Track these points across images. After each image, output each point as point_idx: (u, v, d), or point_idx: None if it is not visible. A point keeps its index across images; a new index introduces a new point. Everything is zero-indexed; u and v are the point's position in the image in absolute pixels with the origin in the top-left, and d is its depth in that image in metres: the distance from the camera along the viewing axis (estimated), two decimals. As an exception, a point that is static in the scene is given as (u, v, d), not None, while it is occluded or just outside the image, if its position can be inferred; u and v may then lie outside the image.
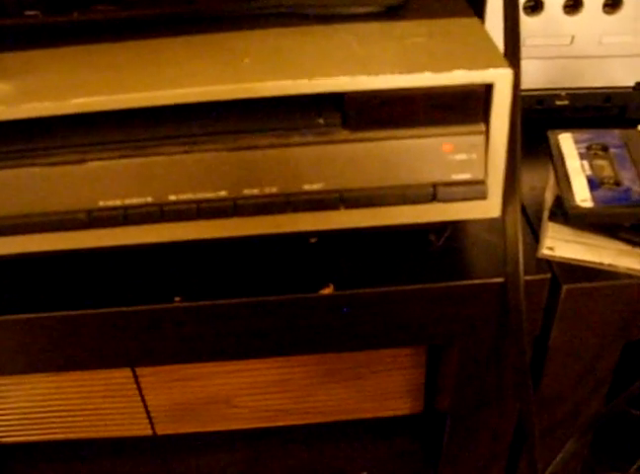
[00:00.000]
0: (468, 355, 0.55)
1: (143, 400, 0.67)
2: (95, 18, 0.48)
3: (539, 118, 0.65)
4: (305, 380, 0.67)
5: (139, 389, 0.66)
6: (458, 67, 0.42)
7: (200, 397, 0.68)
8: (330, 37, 0.47)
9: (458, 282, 0.50)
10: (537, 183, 0.59)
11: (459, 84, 0.42)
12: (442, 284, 0.50)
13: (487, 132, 0.44)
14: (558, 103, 0.65)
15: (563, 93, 0.65)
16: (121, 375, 0.66)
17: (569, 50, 0.62)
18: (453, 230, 0.52)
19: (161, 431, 0.71)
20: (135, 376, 0.66)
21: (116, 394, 0.67)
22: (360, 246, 0.52)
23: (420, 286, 0.50)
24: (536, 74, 0.63)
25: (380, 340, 0.53)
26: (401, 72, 0.42)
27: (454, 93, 0.43)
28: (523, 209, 0.56)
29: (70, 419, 0.70)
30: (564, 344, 0.54)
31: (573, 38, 0.62)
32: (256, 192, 0.45)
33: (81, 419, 0.70)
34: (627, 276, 0.50)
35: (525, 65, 0.60)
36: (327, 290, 0.49)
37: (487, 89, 0.42)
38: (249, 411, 0.70)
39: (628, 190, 0.50)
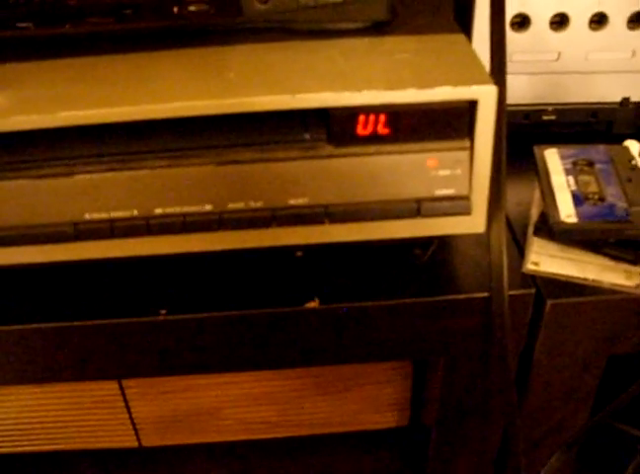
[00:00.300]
0: (453, 369, 0.55)
1: (129, 412, 0.67)
2: (88, 30, 0.48)
3: (526, 133, 0.65)
4: (292, 393, 0.67)
5: (126, 401, 0.66)
6: (443, 84, 0.42)
7: (187, 409, 0.68)
8: (316, 52, 0.47)
9: (443, 297, 0.50)
10: (523, 198, 0.59)
11: (444, 100, 0.42)
12: (428, 299, 0.50)
13: (471, 148, 0.44)
14: (545, 118, 0.65)
15: (550, 108, 0.65)
16: (108, 387, 0.66)
17: (556, 66, 0.63)
18: (439, 245, 0.53)
19: (147, 442, 0.70)
20: (122, 388, 0.66)
21: (102, 406, 0.67)
22: (346, 260, 0.53)
23: (405, 301, 0.50)
24: (523, 89, 0.64)
25: (365, 354, 0.53)
26: (386, 88, 0.42)
27: (439, 109, 0.43)
28: (509, 224, 0.56)
29: (56, 430, 0.69)
30: (548, 358, 0.54)
31: (559, 54, 0.62)
32: (241, 206, 0.45)
33: (67, 430, 0.69)
34: (611, 291, 0.50)
35: (512, 80, 0.61)
36: (312, 304, 0.49)
37: (471, 105, 0.43)
38: (236, 423, 0.70)
39: (612, 206, 0.51)
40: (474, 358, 0.54)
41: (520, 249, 0.53)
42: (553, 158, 0.56)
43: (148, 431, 0.69)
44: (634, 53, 0.62)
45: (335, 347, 0.52)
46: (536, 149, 0.57)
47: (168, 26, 0.48)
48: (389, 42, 0.48)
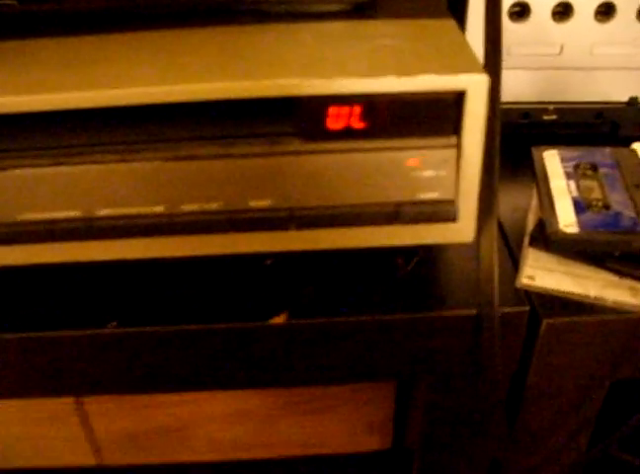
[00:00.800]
0: (438, 392, 0.50)
1: (88, 428, 0.62)
2: (71, 8, 0.43)
3: (525, 134, 0.60)
4: (265, 412, 0.61)
5: (84, 416, 0.61)
6: (426, 71, 0.37)
7: (151, 426, 0.63)
8: (288, 36, 0.42)
9: (427, 313, 0.45)
10: (520, 204, 0.54)
11: (427, 91, 0.37)
12: (409, 315, 0.45)
13: (459, 146, 0.39)
14: (545, 117, 0.60)
15: (551, 107, 0.60)
16: (66, 401, 0.60)
17: (558, 61, 0.58)
18: (424, 254, 0.47)
19: (109, 461, 0.65)
20: (80, 403, 0.60)
21: (59, 421, 0.62)
22: (321, 270, 0.47)
23: (384, 317, 0.45)
24: (522, 86, 0.59)
25: (339, 375, 0.48)
26: (359, 75, 0.37)
27: (421, 101, 0.38)
28: (503, 233, 0.51)
29: (11, 446, 0.64)
30: (544, 382, 0.49)
31: (562, 47, 0.57)
32: (196, 208, 0.39)
33: (22, 447, 0.64)
34: (615, 310, 0.45)
35: (510, 76, 0.56)
36: (280, 318, 0.44)
37: (459, 97, 0.37)
38: (205, 442, 0.65)
39: (618, 214, 0.45)
40: (461, 381, 0.49)
41: (514, 261, 0.48)
42: (553, 160, 0.51)
43: (110, 448, 0.64)
44: (644, 48, 0.57)
45: (305, 366, 0.47)
46: (535, 150, 0.52)
47: (139, 5, 0.43)
48: (371, 27, 0.43)
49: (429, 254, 0.48)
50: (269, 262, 0.48)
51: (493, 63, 0.44)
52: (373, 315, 0.45)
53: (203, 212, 0.40)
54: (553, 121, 0.60)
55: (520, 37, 0.56)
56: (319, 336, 0.45)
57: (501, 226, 0.51)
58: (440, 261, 0.49)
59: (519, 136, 0.59)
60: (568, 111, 0.60)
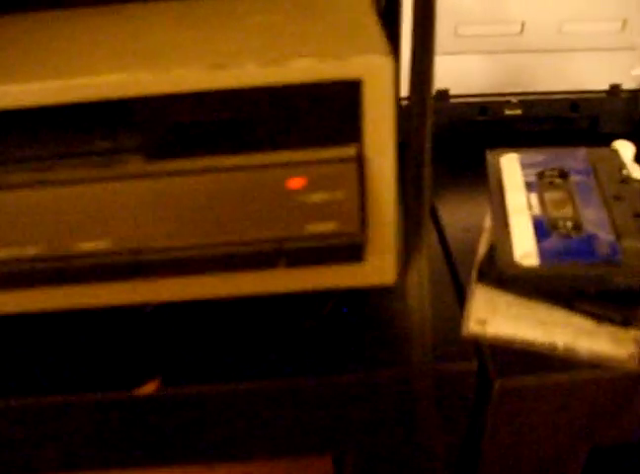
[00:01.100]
0: (366, 464, 0.39)
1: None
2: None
3: (483, 133, 0.51)
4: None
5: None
6: (306, 55, 0.26)
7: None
8: (133, 19, 0.32)
9: (345, 375, 0.35)
10: (476, 222, 0.43)
11: (308, 83, 0.26)
12: (321, 378, 0.35)
13: (360, 158, 0.28)
14: (508, 112, 0.51)
15: (514, 99, 0.51)
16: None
17: (520, 42, 0.49)
18: (343, 296, 0.37)
19: None
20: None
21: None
22: (211, 318, 0.37)
23: (286, 381, 0.35)
24: (477, 75, 0.50)
25: (234, 452, 0.37)
26: (213, 66, 0.26)
27: (304, 97, 0.27)
28: (451, 263, 0.40)
29: None
30: (501, 454, 0.38)
31: (524, 24, 0.48)
32: (10, 253, 0.29)
33: None
34: (591, 363, 0.34)
35: (462, 63, 0.49)
36: (150, 387, 0.34)
37: (354, 89, 0.26)
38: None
39: (592, 238, 0.35)
40: (392, 453, 0.38)
41: (463, 301, 0.37)
42: (512, 167, 0.41)
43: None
44: (625, 24, 0.48)
45: (187, 445, 0.36)
46: (490, 155, 0.42)
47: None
48: (247, 2, 0.32)
49: (349, 295, 0.37)
50: (147, 310, 0.37)
51: (421, 42, 0.33)
52: (274, 379, 0.35)
53: (17, 260, 0.29)
54: (518, 117, 0.51)
55: (470, 13, 0.47)
56: (201, 408, 0.35)
57: (449, 253, 0.41)
58: (365, 305, 0.38)
59: (476, 136, 0.49)
60: (535, 103, 0.51)
